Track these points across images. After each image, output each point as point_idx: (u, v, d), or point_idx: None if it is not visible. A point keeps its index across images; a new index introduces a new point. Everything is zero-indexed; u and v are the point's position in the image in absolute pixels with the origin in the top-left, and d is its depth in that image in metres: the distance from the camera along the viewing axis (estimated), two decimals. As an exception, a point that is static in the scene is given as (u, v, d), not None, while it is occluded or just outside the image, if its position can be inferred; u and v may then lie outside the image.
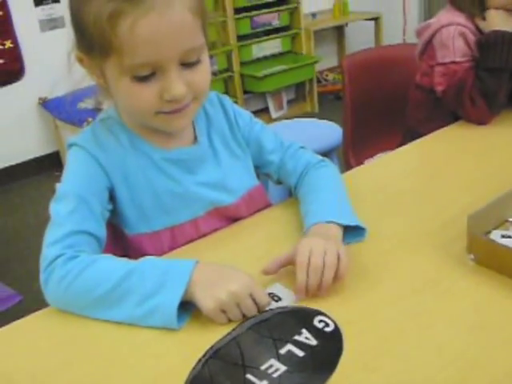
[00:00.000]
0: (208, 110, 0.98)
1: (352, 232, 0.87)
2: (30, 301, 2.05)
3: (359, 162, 1.70)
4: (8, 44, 3.13)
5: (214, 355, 0.66)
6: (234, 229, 0.97)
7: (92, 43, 0.77)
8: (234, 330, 0.70)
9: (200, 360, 0.66)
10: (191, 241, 0.94)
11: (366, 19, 4.22)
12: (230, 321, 0.72)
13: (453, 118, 1.39)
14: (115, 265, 0.78)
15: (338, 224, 0.85)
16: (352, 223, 0.86)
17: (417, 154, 1.28)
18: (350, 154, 1.87)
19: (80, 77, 0.85)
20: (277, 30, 3.86)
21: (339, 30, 4.43)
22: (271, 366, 0.64)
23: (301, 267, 0.75)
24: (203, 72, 0.83)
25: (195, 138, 0.95)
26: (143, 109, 0.82)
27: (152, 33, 0.74)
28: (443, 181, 1.08)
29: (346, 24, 4.35)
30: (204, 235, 0.95)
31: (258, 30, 3.74)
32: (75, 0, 0.79)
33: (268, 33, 3.82)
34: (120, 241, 0.93)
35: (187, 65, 0.80)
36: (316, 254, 0.75)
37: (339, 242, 0.82)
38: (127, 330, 0.74)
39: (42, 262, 0.78)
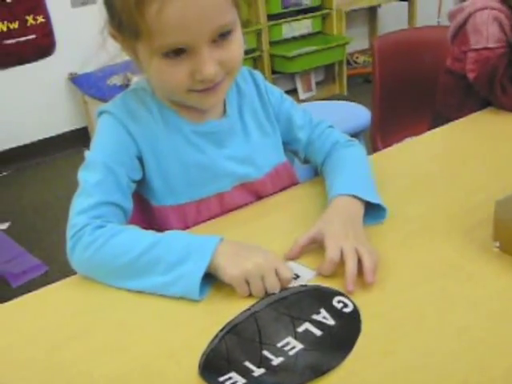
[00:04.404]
0: (240, 85, 0.98)
1: (372, 214, 0.86)
2: (56, 272, 2.10)
3: (387, 146, 1.66)
4: (40, 19, 3.15)
5: (232, 330, 0.67)
6: (258, 207, 0.97)
7: (122, 24, 0.77)
8: (252, 306, 0.70)
9: (217, 335, 0.66)
10: (215, 216, 0.94)
11: (400, 0, 4.12)
12: (250, 295, 0.72)
13: (484, 105, 1.34)
14: (142, 235, 0.79)
15: (360, 199, 0.85)
16: (374, 201, 0.85)
17: (445, 138, 1.26)
18: (378, 137, 1.84)
19: (111, 53, 0.85)
20: (308, 10, 3.80)
21: (372, 11, 4.34)
22: (288, 344, 0.65)
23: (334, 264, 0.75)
24: (235, 47, 0.81)
25: (225, 111, 0.94)
26: (175, 87, 0.82)
27: (180, 17, 0.73)
28: (472, 166, 1.06)
29: (379, 5, 4.25)
30: (229, 210, 0.95)
31: (288, 9, 3.70)
32: None
33: (299, 12, 3.77)
34: (145, 213, 0.93)
35: (219, 41, 0.78)
36: (349, 256, 0.74)
37: (359, 222, 0.82)
38: (147, 300, 0.75)
39: (69, 230, 0.80)
